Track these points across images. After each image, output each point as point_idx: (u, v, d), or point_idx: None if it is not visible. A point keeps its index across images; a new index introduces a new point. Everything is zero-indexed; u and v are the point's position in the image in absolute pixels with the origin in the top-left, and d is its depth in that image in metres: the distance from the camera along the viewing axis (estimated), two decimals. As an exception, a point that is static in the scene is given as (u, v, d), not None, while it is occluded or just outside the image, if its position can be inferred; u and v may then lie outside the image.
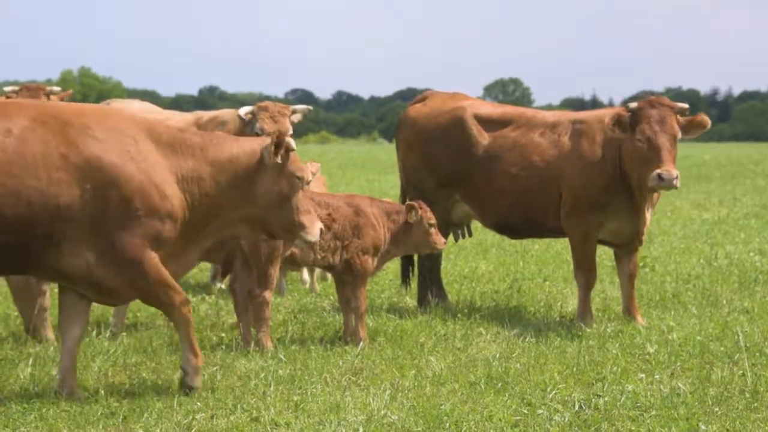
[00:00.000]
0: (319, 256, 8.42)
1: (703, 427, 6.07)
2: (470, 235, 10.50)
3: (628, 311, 9.31)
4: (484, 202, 9.74)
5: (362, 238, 8.48)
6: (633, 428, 6.08)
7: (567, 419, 6.21)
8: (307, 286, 11.17)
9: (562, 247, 14.01)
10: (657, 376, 7.16)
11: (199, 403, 6.53)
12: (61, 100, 10.92)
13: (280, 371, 7.37)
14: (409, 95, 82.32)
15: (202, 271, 12.35)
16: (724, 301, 10.04)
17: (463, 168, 9.75)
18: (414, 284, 10.65)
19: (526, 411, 6.37)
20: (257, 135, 8.96)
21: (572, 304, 10.00)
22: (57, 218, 6.39)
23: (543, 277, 11.84)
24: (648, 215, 9.29)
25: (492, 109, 10.08)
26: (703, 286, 10.89)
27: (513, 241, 12.50)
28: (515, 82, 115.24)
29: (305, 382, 7.06)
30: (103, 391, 6.70)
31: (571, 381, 7.08)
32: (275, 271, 8.26)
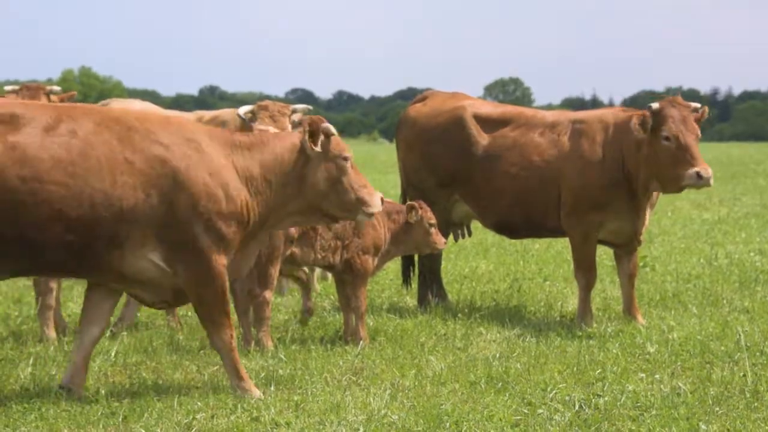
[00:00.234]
0: (319, 256, 8.42)
1: (703, 426, 6.06)
2: (470, 234, 10.50)
3: (629, 311, 9.31)
4: (484, 202, 9.74)
5: (362, 237, 8.48)
6: (633, 428, 6.08)
7: (567, 419, 6.21)
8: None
9: (562, 246, 14.01)
10: (657, 376, 7.15)
11: (199, 403, 6.52)
12: (62, 101, 10.92)
13: (281, 371, 7.38)
14: (410, 95, 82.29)
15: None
16: (725, 301, 10.03)
17: (462, 168, 9.75)
18: (414, 284, 10.65)
19: (526, 411, 6.37)
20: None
21: (572, 303, 10.00)
22: (121, 220, 6.43)
23: (543, 277, 11.84)
24: (648, 215, 9.30)
25: (492, 108, 10.08)
26: (704, 286, 10.89)
27: (513, 240, 12.49)
28: (515, 81, 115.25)
29: (306, 381, 7.06)
30: (103, 391, 6.70)
31: (572, 381, 7.08)
32: (275, 271, 8.26)
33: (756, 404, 6.51)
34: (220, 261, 6.66)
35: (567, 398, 6.61)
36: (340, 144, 7.08)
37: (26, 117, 6.42)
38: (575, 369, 7.40)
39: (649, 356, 7.79)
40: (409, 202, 8.87)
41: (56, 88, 11.42)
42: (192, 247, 6.57)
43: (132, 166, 6.48)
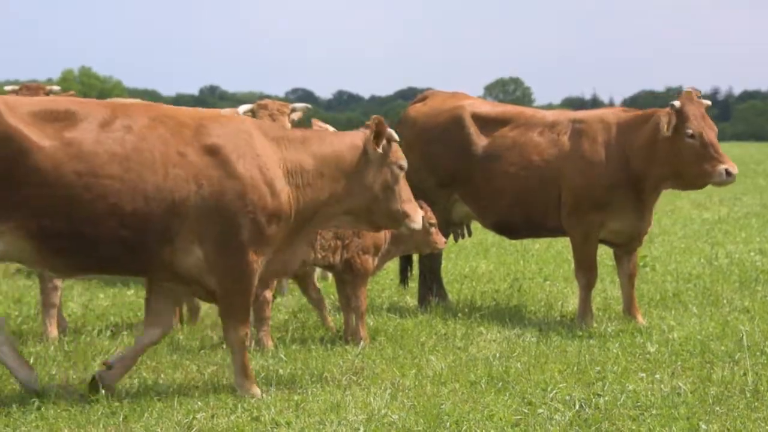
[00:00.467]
0: (319, 256, 8.41)
1: (703, 426, 6.06)
2: (470, 234, 10.50)
3: (629, 311, 9.31)
4: (484, 202, 9.73)
5: (363, 237, 8.47)
6: (634, 427, 6.08)
7: (567, 418, 6.21)
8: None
9: (562, 246, 14.01)
10: (658, 376, 7.15)
11: (199, 403, 6.53)
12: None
13: (281, 371, 7.38)
14: (410, 95, 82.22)
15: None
16: (725, 301, 10.03)
17: (462, 168, 9.74)
18: (413, 284, 10.64)
19: (526, 410, 6.37)
20: None
21: (573, 303, 9.99)
22: (172, 214, 6.51)
23: (543, 277, 11.84)
24: (652, 215, 9.31)
25: (491, 108, 10.07)
26: (704, 286, 10.89)
27: (513, 240, 12.49)
28: (516, 81, 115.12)
29: (306, 381, 7.06)
30: (103, 391, 6.69)
31: (572, 380, 7.08)
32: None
33: (756, 404, 6.51)
34: (255, 258, 6.70)
35: (567, 398, 6.61)
36: (398, 152, 7.14)
37: (82, 113, 6.53)
38: (575, 369, 7.40)
39: (650, 356, 7.79)
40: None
41: (56, 87, 11.42)
42: (231, 241, 6.61)
43: (184, 158, 6.58)
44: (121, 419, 6.26)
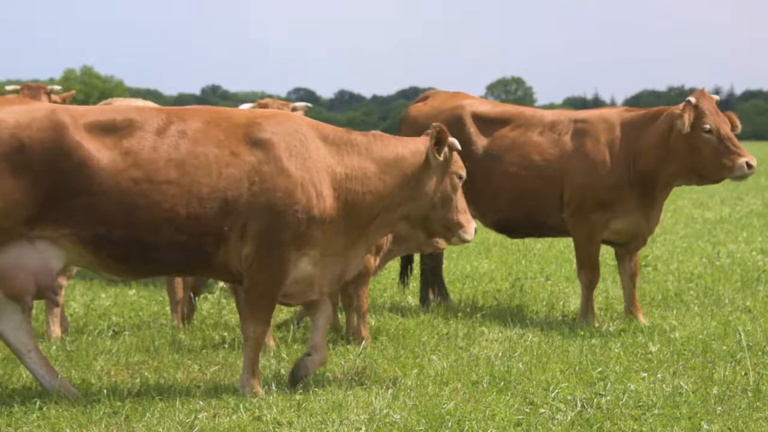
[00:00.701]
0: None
1: (705, 426, 6.06)
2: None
3: (630, 310, 9.30)
4: (484, 201, 9.73)
5: (364, 237, 8.46)
6: (635, 427, 6.08)
7: (569, 418, 6.21)
8: None
9: (564, 246, 14.01)
10: (659, 375, 7.15)
11: (201, 402, 6.53)
12: (63, 101, 10.94)
13: (283, 370, 7.38)
14: (412, 94, 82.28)
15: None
16: (727, 300, 10.03)
17: (463, 167, 9.73)
18: (414, 283, 10.63)
19: (528, 410, 6.37)
20: None
21: (575, 303, 9.99)
22: (226, 213, 6.57)
23: (545, 276, 11.84)
24: (661, 213, 9.31)
25: (491, 108, 10.07)
26: (706, 285, 10.89)
27: (515, 240, 12.49)
28: (518, 81, 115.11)
29: (307, 381, 7.06)
30: (105, 390, 6.70)
31: (574, 380, 7.08)
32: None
33: (758, 404, 6.51)
34: (289, 257, 6.73)
35: (569, 397, 6.61)
36: (459, 162, 7.15)
37: (140, 121, 6.62)
38: (577, 368, 7.40)
39: (651, 355, 7.79)
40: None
41: (57, 87, 11.43)
42: (273, 238, 6.65)
43: (237, 157, 6.65)
44: (122, 419, 6.26)
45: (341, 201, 6.86)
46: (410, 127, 10.15)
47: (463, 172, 7.16)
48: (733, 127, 8.90)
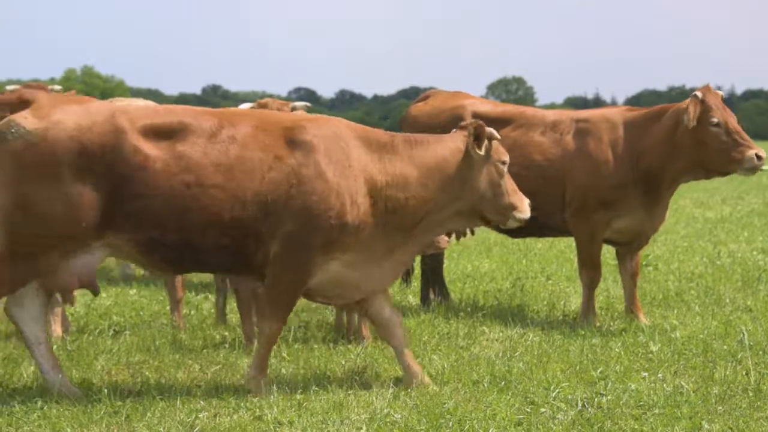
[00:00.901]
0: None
1: (706, 425, 6.06)
2: (473, 233, 10.49)
3: (631, 310, 9.30)
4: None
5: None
6: (636, 427, 6.07)
7: (570, 418, 6.21)
8: None
9: (565, 245, 14.01)
10: (660, 375, 7.15)
11: (202, 402, 6.53)
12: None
13: (283, 370, 7.38)
14: (413, 94, 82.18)
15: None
16: (727, 300, 10.03)
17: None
18: (415, 283, 10.62)
19: (529, 410, 6.37)
20: None
21: (575, 302, 10.00)
22: (266, 215, 6.62)
23: (546, 276, 11.84)
24: (666, 211, 9.31)
25: (492, 107, 10.06)
26: (706, 285, 10.89)
27: (516, 239, 12.50)
28: (518, 80, 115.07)
29: (308, 380, 7.06)
30: (106, 390, 6.70)
31: (575, 380, 7.08)
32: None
33: (759, 403, 6.51)
34: (316, 261, 6.75)
35: (570, 397, 6.61)
36: (499, 149, 7.17)
37: (193, 125, 6.68)
38: (578, 368, 7.40)
39: (652, 355, 7.79)
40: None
41: (57, 87, 11.43)
42: (303, 241, 6.68)
43: (280, 161, 6.69)
44: (123, 418, 6.26)
45: (380, 208, 6.87)
46: (411, 127, 10.15)
47: (506, 157, 7.17)
48: None
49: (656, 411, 6.32)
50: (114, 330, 8.81)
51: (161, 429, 6.07)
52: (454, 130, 7.28)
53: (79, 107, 6.59)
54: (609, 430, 6.05)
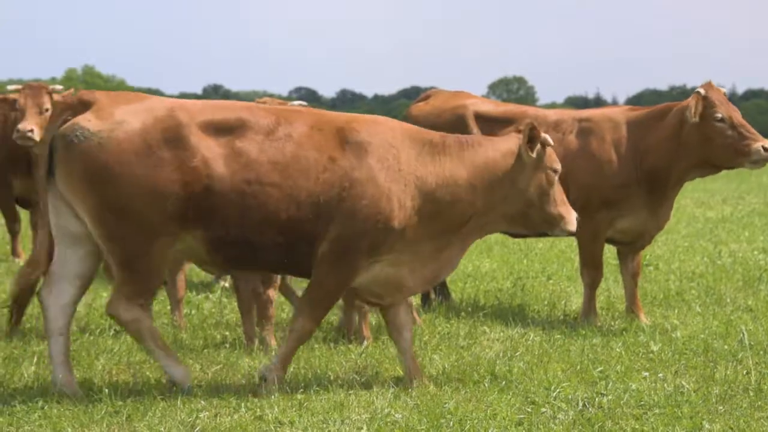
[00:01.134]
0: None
1: (707, 425, 6.06)
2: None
3: (632, 310, 9.30)
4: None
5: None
6: (637, 427, 6.07)
7: (571, 418, 6.21)
8: None
9: (565, 245, 14.01)
10: (661, 375, 7.15)
11: (203, 402, 6.53)
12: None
13: (284, 370, 7.37)
14: (414, 93, 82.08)
15: (206, 269, 12.33)
16: (728, 300, 10.03)
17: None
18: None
19: (529, 409, 6.37)
20: None
21: (576, 302, 9.99)
22: (317, 216, 6.64)
23: (547, 276, 11.84)
24: (670, 210, 9.31)
25: (493, 107, 10.06)
26: (707, 285, 10.88)
27: (517, 239, 12.49)
28: (519, 80, 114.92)
29: (309, 380, 7.06)
30: (107, 390, 6.69)
31: (575, 379, 7.08)
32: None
33: (759, 403, 6.51)
34: (361, 264, 6.76)
35: (570, 397, 6.61)
36: (553, 156, 7.15)
37: (251, 122, 6.69)
38: (579, 368, 7.40)
39: (653, 355, 7.79)
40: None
41: (58, 87, 11.43)
42: (351, 243, 6.69)
43: (334, 162, 6.70)
44: (124, 418, 6.26)
45: (428, 210, 6.86)
46: (411, 127, 10.15)
47: (558, 166, 7.15)
48: None
49: (657, 411, 6.32)
50: (115, 330, 8.79)
51: (162, 429, 6.07)
52: (511, 132, 7.27)
53: (140, 105, 6.62)
54: (610, 430, 6.05)
